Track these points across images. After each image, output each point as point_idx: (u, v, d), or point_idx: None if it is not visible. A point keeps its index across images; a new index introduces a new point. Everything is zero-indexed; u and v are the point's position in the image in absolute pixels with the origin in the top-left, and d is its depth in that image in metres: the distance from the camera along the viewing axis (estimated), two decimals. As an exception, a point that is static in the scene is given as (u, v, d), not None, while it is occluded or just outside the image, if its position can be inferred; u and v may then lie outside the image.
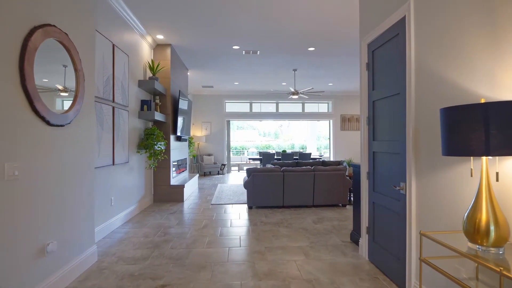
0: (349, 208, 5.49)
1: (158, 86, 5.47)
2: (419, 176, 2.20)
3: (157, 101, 5.82)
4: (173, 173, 6.31)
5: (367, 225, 3.08)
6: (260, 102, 12.15)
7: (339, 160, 9.48)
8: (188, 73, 8.50)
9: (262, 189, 5.41)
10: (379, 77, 2.85)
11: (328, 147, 12.51)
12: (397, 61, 2.49)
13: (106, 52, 3.90)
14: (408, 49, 2.29)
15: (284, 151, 11.12)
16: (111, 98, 4.01)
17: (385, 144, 2.71)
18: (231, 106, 12.07)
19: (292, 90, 8.06)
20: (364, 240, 3.15)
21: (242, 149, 20.18)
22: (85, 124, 2.83)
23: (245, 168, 13.89)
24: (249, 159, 12.18)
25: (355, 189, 3.62)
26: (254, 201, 5.41)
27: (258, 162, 12.50)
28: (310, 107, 12.37)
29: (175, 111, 6.45)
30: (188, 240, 3.68)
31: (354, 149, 12.07)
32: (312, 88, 8.34)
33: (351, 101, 12.15)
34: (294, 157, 10.48)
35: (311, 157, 11.09)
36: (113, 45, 4.12)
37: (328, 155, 12.82)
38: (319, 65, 7.74)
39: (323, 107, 12.40)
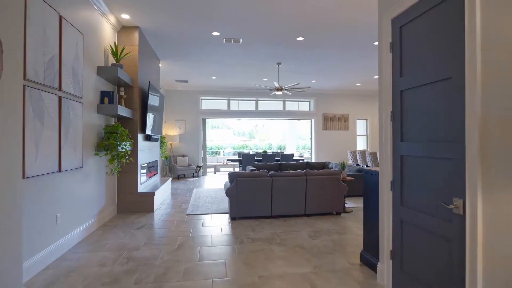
0: (345, 216, 4.89)
1: (123, 75, 4.56)
2: (488, 190, 1.57)
3: (122, 93, 4.90)
4: (141, 178, 5.40)
5: (390, 249, 2.44)
6: (239, 100, 11.39)
7: (324, 161, 8.95)
8: (160, 65, 7.57)
9: (247, 197, 4.66)
10: (410, 59, 2.21)
11: (310, 147, 12.01)
12: (447, 35, 1.85)
13: (50, 25, 2.98)
14: (470, 13, 1.65)
15: (265, 151, 10.44)
16: (56, 85, 3.09)
17: (422, 146, 2.07)
18: (208, 103, 11.20)
19: (276, 85, 7.38)
20: (385, 266, 2.50)
21: (218, 149, 19.29)
22: None
23: (222, 170, 13.06)
24: (228, 160, 11.38)
25: (368, 199, 2.99)
26: (238, 211, 4.65)
27: (237, 163, 11.71)
28: (291, 106, 11.79)
29: (144, 106, 5.54)
30: (158, 269, 2.86)
31: (337, 150, 11.65)
32: (298, 84, 7.71)
33: (334, 100, 11.72)
34: (276, 158, 9.83)
35: (294, 158, 10.50)
36: (60, 17, 3.19)
37: (309, 156, 12.31)
38: (304, 59, 7.13)
39: (304, 106, 11.87)
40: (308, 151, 16.39)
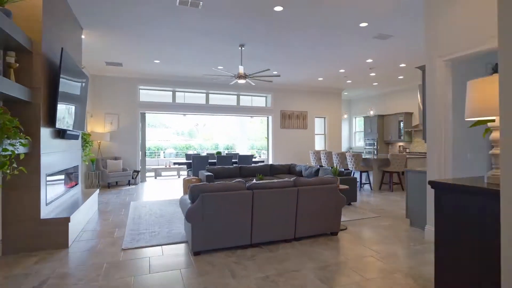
0: (343, 236, 3.75)
1: (11, 29, 2.71)
2: None
3: (11, 59, 3.01)
4: (47, 195, 3.53)
5: None
6: (186, 91, 9.68)
7: (290, 163, 7.85)
8: (83, 36, 5.58)
9: (218, 220, 3.20)
10: None
11: (266, 147, 10.88)
12: None
13: None
14: None
15: (219, 153, 8.95)
16: None
17: None
18: (148, 95, 9.26)
19: (241, 70, 6.00)
20: None
21: (158, 149, 17.05)
22: None
23: (164, 174, 11.14)
24: (174, 163, 9.57)
25: (443, 223, 1.82)
26: (205, 241, 3.16)
27: (185, 167, 9.94)
28: (246, 101, 10.51)
29: (53, 85, 3.67)
30: None
31: (296, 150, 10.73)
32: (268, 70, 6.39)
33: (293, 96, 10.77)
34: (233, 161, 8.44)
35: (253, 160, 9.22)
36: None
37: (266, 157, 11.18)
38: (276, 42, 5.89)
39: (259, 101, 10.69)
40: (258, 152, 15.33)
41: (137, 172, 8.55)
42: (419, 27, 5.11)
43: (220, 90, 9.76)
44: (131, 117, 8.79)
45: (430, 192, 3.54)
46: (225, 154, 8.61)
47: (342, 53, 6.79)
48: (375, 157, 7.70)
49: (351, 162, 7.50)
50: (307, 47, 6.30)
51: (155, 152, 16.53)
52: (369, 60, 7.38)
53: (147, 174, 9.98)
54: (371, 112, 11.43)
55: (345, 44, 6.12)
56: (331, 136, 11.38)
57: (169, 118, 18.84)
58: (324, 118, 11.37)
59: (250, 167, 7.15)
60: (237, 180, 3.49)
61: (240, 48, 6.26)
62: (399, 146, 10.80)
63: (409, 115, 10.39)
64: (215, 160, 8.26)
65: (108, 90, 8.55)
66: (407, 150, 10.40)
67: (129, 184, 8.35)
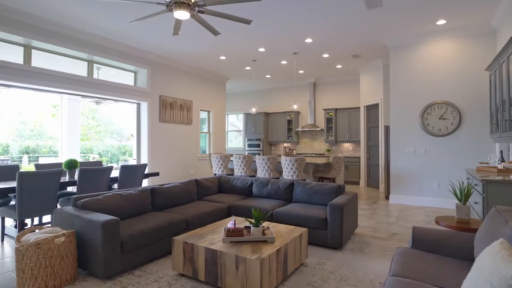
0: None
1: None
2: None
3: None
4: None
5: None
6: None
7: (217, 176, 5.09)
8: None
9: None
10: None
11: (136, 150, 7.07)
12: None
13: None
14: None
15: (70, 163, 4.54)
16: None
17: None
18: None
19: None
20: None
21: None
22: None
23: None
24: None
25: None
26: None
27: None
28: (105, 75, 6.40)
29: None
30: None
31: (183, 155, 7.65)
32: None
33: (177, 77, 7.63)
34: (112, 176, 4.55)
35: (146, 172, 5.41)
36: None
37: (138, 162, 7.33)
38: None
39: (127, 78, 6.84)
40: (87, 157, 10.54)
41: None
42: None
43: (54, 43, 5.28)
44: None
45: None
46: (92, 168, 4.50)
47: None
48: (291, 159, 6.26)
49: (291, 168, 5.66)
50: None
51: None
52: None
53: None
54: (253, 110, 10.05)
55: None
56: (217, 136, 9.08)
57: None
58: (209, 112, 8.90)
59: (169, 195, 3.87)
60: None
61: None
62: (285, 147, 10.03)
63: (297, 114, 9.78)
64: (76, 179, 4.10)
65: None
66: (294, 152, 9.76)
67: None
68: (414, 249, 2.25)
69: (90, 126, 12.59)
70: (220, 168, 6.63)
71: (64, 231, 2.63)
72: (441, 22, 5.02)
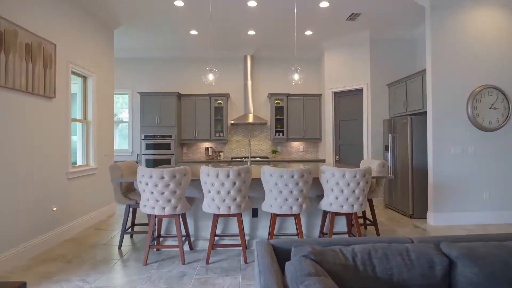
0: None
1: None
2: None
3: None
4: None
5: None
6: None
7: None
8: None
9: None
10: None
11: None
12: None
13: None
14: None
15: None
16: None
17: None
18: None
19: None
20: None
21: None
22: None
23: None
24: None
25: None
26: None
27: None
28: None
29: None
30: None
31: (29, 168, 2.99)
32: None
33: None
34: None
35: None
36: None
37: None
38: None
39: None
40: None
41: None
42: None
43: None
44: None
45: None
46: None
47: None
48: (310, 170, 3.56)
49: (289, 191, 2.81)
50: None
51: None
52: None
53: None
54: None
55: None
56: (102, 127, 4.62)
57: None
58: (86, 78, 4.35)
59: None
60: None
61: None
62: (208, 148, 6.59)
63: (226, 99, 6.60)
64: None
65: None
66: (222, 155, 6.56)
67: None
68: None
69: None
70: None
71: None
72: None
